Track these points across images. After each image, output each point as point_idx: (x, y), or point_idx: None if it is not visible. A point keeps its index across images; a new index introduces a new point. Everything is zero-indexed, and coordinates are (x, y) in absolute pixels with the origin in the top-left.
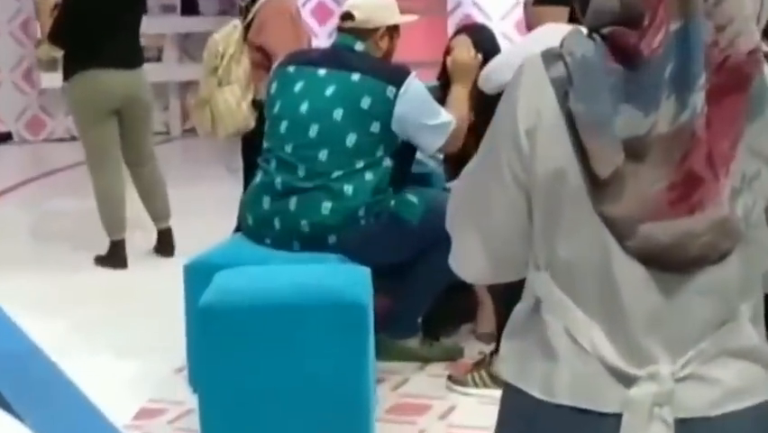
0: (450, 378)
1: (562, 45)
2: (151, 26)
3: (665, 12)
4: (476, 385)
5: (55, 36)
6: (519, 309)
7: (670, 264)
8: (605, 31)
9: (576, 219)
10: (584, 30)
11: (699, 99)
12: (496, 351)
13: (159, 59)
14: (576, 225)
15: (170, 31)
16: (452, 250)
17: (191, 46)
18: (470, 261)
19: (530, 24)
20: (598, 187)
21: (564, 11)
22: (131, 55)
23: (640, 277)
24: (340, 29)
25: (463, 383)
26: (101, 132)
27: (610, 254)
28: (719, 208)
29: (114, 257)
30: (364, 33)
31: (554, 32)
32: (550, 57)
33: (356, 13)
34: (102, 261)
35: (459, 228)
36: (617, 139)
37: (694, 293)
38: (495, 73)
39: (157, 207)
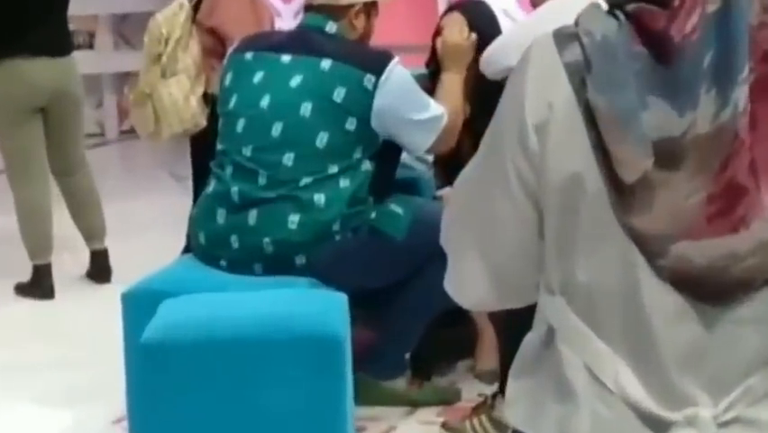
0: (444, 426)
1: (577, 23)
2: (81, 6)
3: None
4: None
5: None
6: (529, 341)
7: (708, 291)
8: (629, 8)
9: (597, 234)
10: (604, 5)
11: (742, 94)
12: (500, 392)
13: (90, 45)
14: (597, 241)
15: (104, 11)
16: (447, 270)
17: (129, 30)
18: (470, 283)
19: (535, 1)
20: (622, 195)
21: None
22: (58, 40)
23: (674, 303)
24: (308, 7)
25: (461, 432)
26: (23, 134)
27: (638, 276)
28: (767, 225)
29: (39, 285)
30: (337, 11)
31: (568, 5)
32: (564, 38)
33: None
34: (24, 289)
35: (456, 245)
36: (645, 138)
37: (738, 323)
38: (498, 54)
39: (90, 224)
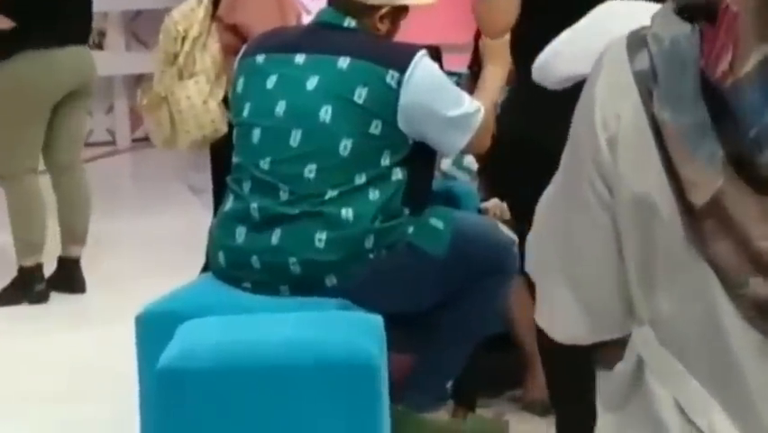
0: None
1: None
2: None
3: (739, 34)
4: None
5: None
6: (619, 372)
7: None
8: (698, 24)
9: (673, 261)
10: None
11: None
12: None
13: (100, 45)
14: (675, 269)
15: (115, 8)
16: (537, 302)
17: (142, 28)
18: (561, 314)
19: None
20: (695, 219)
21: None
22: (84, 27)
23: (760, 340)
24: (330, 2)
25: None
26: (32, 132)
27: (718, 309)
28: None
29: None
30: (361, 10)
31: (620, 9)
32: (635, 43)
33: None
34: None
35: (542, 271)
36: (716, 156)
37: None
38: (552, 63)
39: (72, 227)
